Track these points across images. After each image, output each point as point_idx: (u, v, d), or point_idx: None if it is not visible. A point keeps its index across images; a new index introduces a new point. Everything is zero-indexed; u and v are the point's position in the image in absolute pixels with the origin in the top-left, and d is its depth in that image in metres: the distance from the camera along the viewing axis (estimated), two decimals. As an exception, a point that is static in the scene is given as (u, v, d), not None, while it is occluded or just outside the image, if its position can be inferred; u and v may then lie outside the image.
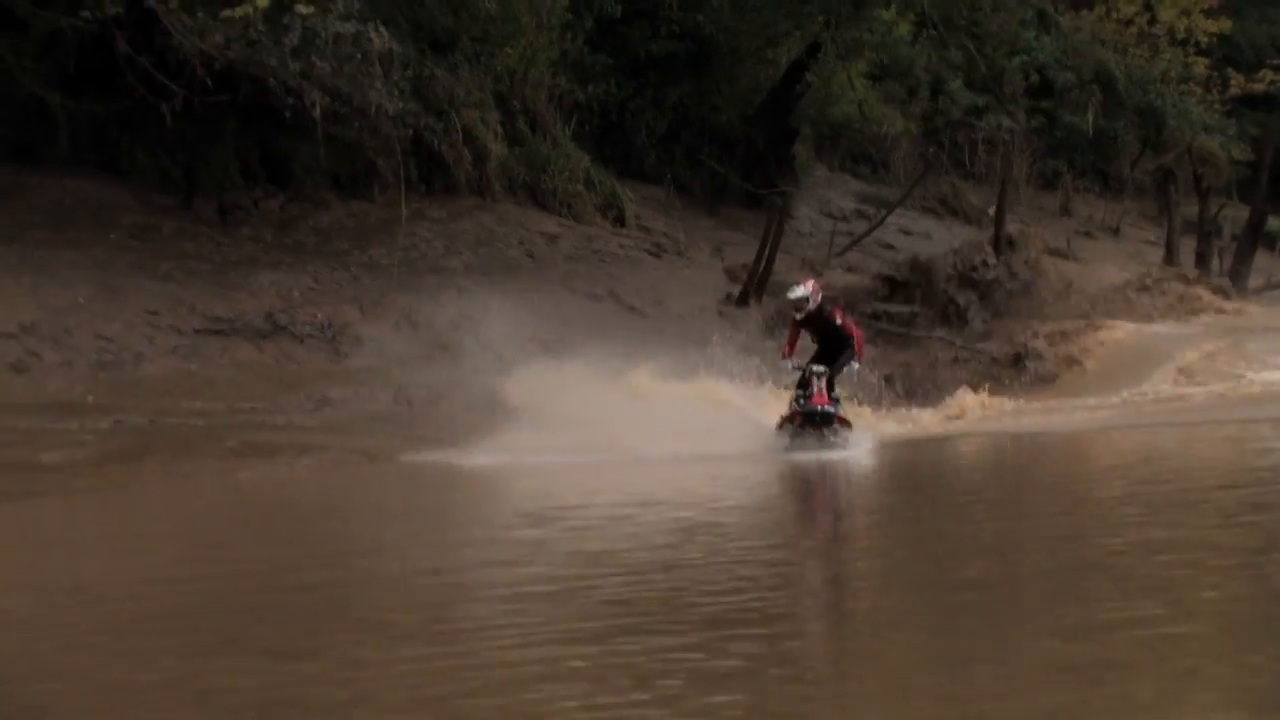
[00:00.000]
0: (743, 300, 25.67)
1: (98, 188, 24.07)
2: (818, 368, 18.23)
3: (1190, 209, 37.55)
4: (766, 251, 26.21)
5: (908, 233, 34.33)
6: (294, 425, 18.84)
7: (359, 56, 21.66)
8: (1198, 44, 37.07)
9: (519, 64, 28.89)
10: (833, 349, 18.43)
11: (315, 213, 25.97)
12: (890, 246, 32.93)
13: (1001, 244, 28.16)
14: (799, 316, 18.42)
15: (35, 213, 23.02)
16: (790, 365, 18.53)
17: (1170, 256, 35.53)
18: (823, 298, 18.64)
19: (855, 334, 18.58)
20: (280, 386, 20.09)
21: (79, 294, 20.66)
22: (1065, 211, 40.00)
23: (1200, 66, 37.05)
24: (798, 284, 18.98)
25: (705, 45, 32.48)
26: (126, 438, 17.35)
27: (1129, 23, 37.40)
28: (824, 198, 34.85)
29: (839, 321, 18.48)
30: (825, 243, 32.48)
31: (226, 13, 20.62)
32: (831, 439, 17.91)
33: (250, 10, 20.31)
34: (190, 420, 18.31)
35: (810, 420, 18.04)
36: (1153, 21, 37.34)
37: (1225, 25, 37.59)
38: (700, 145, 32.99)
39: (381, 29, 21.56)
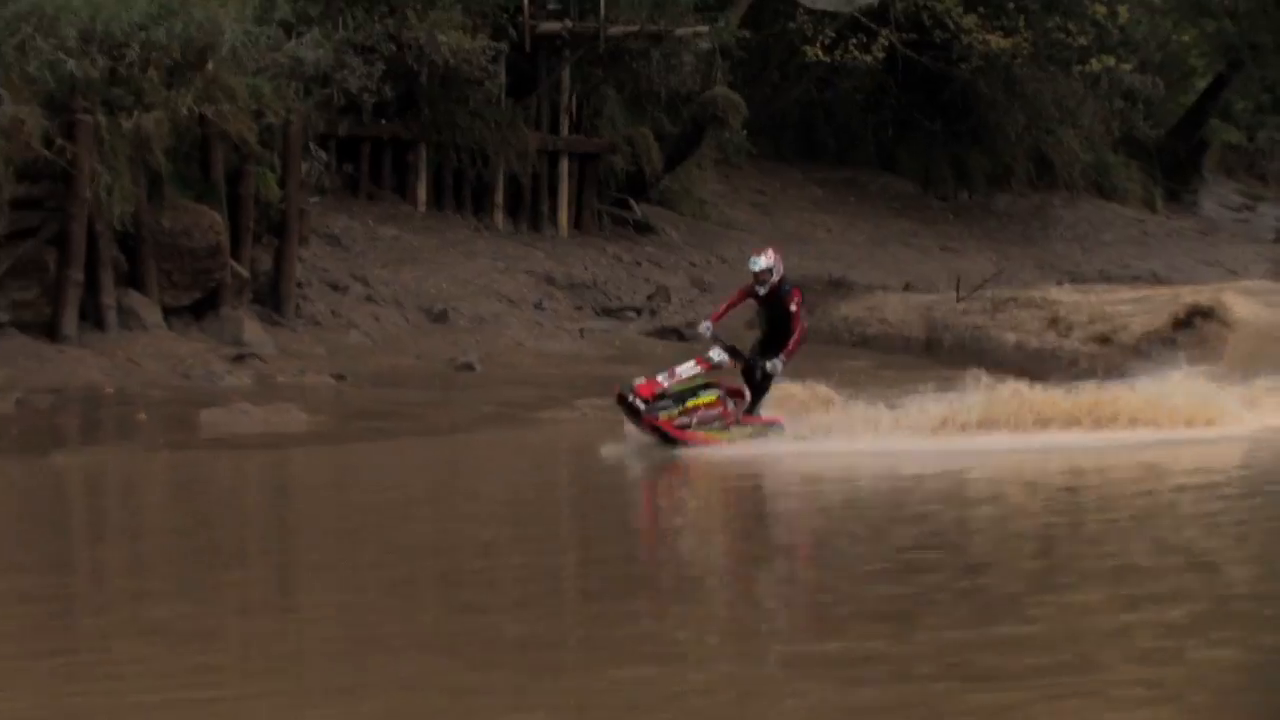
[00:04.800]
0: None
1: (889, 179, 34.86)
2: (715, 354, 15.99)
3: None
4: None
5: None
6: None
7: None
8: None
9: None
10: (775, 339, 16.14)
11: (989, 201, 36.69)
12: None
13: None
14: (761, 291, 16.07)
15: (867, 197, 33.80)
16: (702, 328, 16.37)
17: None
18: (782, 276, 16.13)
19: (798, 328, 15.91)
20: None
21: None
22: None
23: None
24: (759, 255, 16.29)
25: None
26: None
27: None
28: (1218, 194, 46.02)
29: (792, 308, 15.98)
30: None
31: (1077, 68, 31.37)
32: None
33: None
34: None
35: (621, 403, 15.88)
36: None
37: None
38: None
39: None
